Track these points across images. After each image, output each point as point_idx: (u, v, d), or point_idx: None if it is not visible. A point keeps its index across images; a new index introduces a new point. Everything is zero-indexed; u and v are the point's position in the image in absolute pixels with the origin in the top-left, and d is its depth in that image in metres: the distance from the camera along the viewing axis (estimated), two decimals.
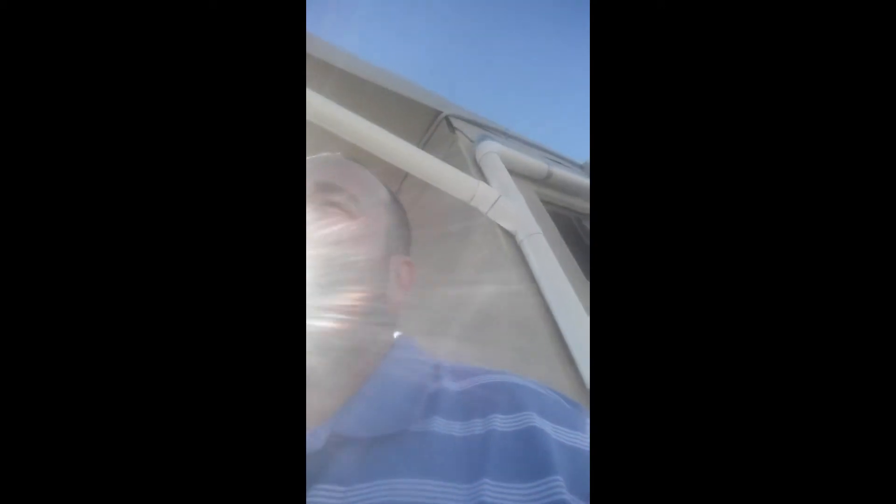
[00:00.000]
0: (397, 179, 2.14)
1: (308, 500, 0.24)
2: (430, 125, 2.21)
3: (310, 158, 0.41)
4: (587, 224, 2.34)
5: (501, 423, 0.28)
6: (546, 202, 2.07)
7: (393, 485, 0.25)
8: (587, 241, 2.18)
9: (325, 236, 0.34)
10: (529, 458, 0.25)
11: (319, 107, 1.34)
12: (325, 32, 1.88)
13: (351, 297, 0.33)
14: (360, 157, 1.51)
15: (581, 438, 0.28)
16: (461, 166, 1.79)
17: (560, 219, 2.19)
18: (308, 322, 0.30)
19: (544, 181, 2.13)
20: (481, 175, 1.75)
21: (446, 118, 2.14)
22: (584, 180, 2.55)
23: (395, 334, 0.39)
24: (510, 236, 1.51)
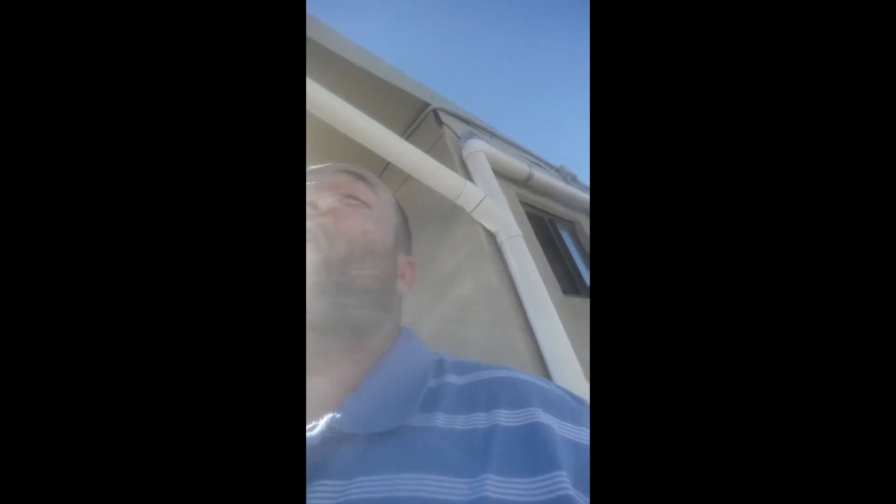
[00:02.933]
0: (376, 170, 2.15)
1: (307, 495, 0.25)
2: (417, 116, 2.22)
3: (323, 166, 0.43)
4: (560, 226, 2.46)
5: (505, 418, 0.28)
6: (523, 203, 2.16)
7: (393, 479, 0.25)
8: (559, 242, 2.29)
9: (347, 220, 0.36)
10: (533, 453, 0.25)
11: (309, 89, 1.32)
12: (316, 9, 1.83)
13: (366, 276, 0.35)
14: (341, 143, 1.49)
15: (584, 433, 0.28)
16: (447, 162, 1.83)
17: (535, 220, 2.29)
18: (319, 301, 0.32)
19: (524, 183, 2.21)
20: (467, 173, 1.79)
21: (434, 111, 2.16)
22: (561, 183, 2.66)
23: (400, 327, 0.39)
24: (491, 235, 1.57)
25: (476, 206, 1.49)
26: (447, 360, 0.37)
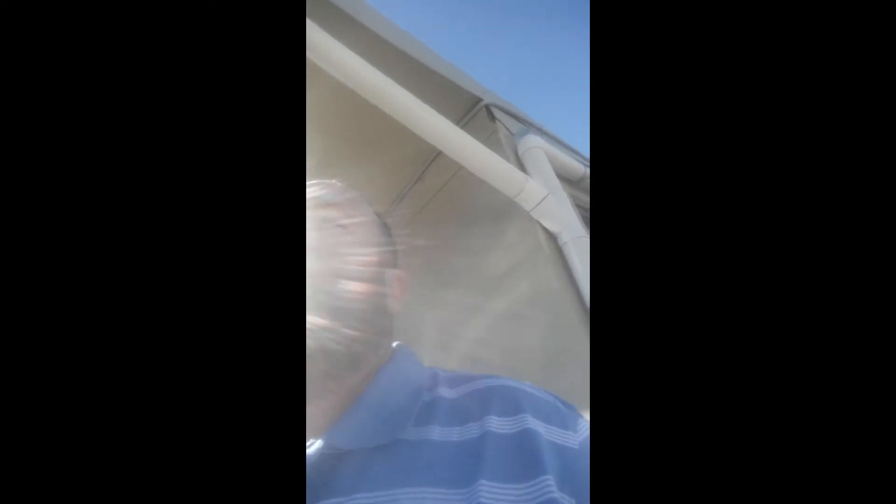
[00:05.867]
0: (422, 161, 2.08)
1: None
2: (468, 111, 2.16)
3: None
4: None
5: (497, 425, 0.29)
6: (577, 205, 2.06)
7: (392, 494, 0.25)
8: None
9: (322, 247, 0.35)
10: (523, 459, 0.26)
11: (358, 69, 1.25)
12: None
13: (351, 305, 0.34)
14: (390, 130, 1.44)
15: (571, 437, 0.29)
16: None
17: (587, 223, 2.19)
18: (308, 332, 0.31)
19: (577, 183, 2.11)
20: (523, 170, 1.71)
21: (486, 106, 2.09)
22: None
23: (394, 343, 0.40)
24: (550, 236, 1.49)
25: (537, 205, 1.41)
26: (440, 374, 0.38)
